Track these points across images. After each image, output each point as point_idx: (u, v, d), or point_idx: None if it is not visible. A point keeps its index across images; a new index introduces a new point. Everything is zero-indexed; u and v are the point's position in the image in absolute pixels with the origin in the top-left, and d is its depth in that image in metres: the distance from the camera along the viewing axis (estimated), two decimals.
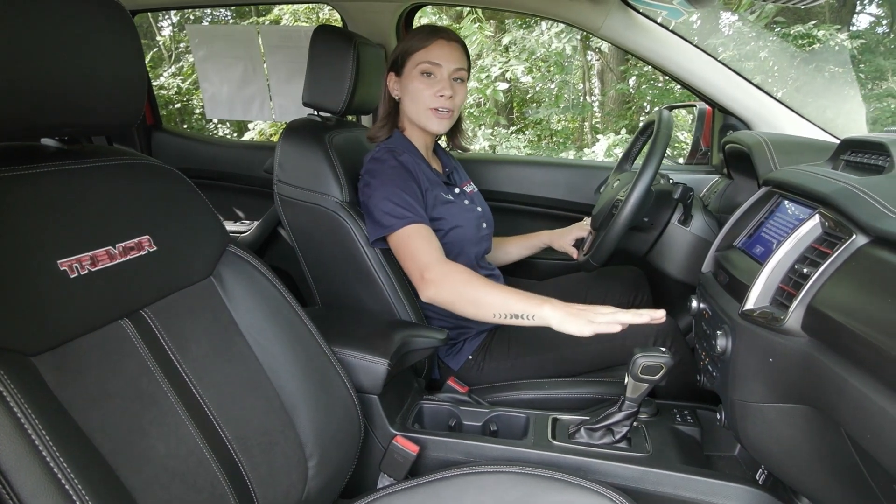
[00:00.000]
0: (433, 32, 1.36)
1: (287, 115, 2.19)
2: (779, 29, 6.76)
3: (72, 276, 0.71)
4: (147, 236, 0.84)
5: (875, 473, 0.79)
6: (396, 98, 1.43)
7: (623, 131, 6.52)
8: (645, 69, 7.80)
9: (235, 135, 7.93)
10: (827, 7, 6.72)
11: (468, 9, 5.21)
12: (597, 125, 8.02)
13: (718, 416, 1.06)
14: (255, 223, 2.17)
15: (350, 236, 1.33)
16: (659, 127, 1.32)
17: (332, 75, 1.39)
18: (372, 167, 1.35)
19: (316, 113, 1.49)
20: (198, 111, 8.37)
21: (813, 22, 6.14)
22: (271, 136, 7.18)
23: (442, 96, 1.36)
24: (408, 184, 1.32)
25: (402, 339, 1.20)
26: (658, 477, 1.05)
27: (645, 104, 7.87)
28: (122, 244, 0.80)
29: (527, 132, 7.40)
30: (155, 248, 0.85)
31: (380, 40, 1.88)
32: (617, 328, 1.06)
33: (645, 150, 1.63)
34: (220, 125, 8.09)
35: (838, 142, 1.58)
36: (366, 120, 2.08)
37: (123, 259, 0.79)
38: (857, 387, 0.68)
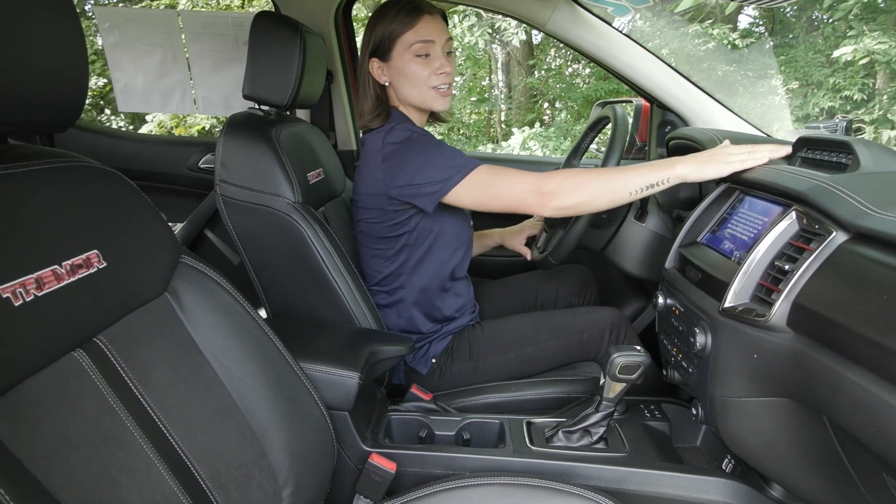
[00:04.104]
0: (415, 10, 1.29)
1: (212, 108, 2.03)
2: (662, 25, 7.12)
3: (16, 304, 0.60)
4: (95, 251, 0.73)
5: (857, 463, 0.81)
6: (385, 84, 1.36)
7: (537, 125, 6.66)
8: (554, 64, 8.01)
9: (131, 127, 7.43)
10: (718, 8, 7.14)
11: None
12: (506, 119, 8.16)
13: (694, 412, 1.07)
14: (180, 225, 2.00)
15: (304, 240, 1.24)
16: (616, 123, 1.32)
17: (277, 66, 1.29)
18: (400, 146, 1.28)
19: (257, 106, 1.38)
20: (88, 102, 7.74)
21: (709, 21, 6.53)
22: (172, 128, 6.77)
23: (442, 73, 1.31)
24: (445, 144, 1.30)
25: (371, 349, 1.13)
26: (640, 476, 1.05)
27: (551, 97, 8.09)
28: (70, 262, 0.68)
29: (437, 125, 7.41)
30: (105, 265, 0.74)
31: (317, 30, 1.78)
32: (752, 164, 1.11)
33: (593, 146, 1.65)
34: (113, 117, 7.53)
35: (765, 136, 1.66)
36: (301, 114, 1.97)
37: (72, 279, 0.68)
38: (856, 382, 0.69)
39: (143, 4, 7.03)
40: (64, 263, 0.68)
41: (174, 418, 0.74)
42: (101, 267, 0.73)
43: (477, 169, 1.22)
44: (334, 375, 1.04)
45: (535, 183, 1.19)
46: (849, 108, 6.22)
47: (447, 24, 1.36)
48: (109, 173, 0.82)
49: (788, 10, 7.80)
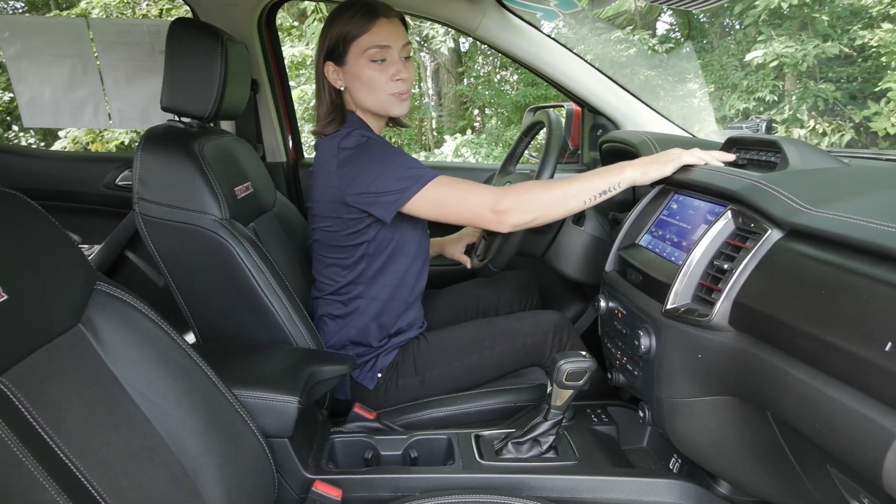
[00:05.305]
0: (371, 12, 1.24)
1: (128, 121, 1.91)
2: (585, 32, 7.33)
3: None
4: None
5: (802, 457, 0.82)
6: (341, 89, 1.31)
7: (469, 132, 6.69)
8: (482, 71, 8.09)
9: (42, 144, 7.01)
10: (638, 14, 7.39)
11: (312, 7, 5.01)
12: (438, 126, 8.18)
13: (641, 414, 1.07)
14: (97, 247, 1.87)
15: (233, 259, 1.17)
16: (551, 129, 1.32)
17: (198, 76, 1.22)
18: (355, 151, 1.23)
19: (177, 118, 1.30)
20: None
21: (630, 27, 6.75)
22: (88, 144, 6.42)
23: (399, 79, 1.27)
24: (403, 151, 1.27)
25: (310, 370, 1.07)
26: (592, 484, 1.04)
27: (481, 104, 8.17)
28: None
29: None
30: (5, 297, 0.66)
31: (239, 37, 1.71)
32: (690, 159, 1.13)
33: (527, 151, 1.65)
34: (22, 134, 7.07)
35: (692, 137, 1.71)
36: (226, 125, 1.88)
37: None
38: (799, 378, 0.69)
39: (53, 14, 6.67)
40: None
41: (93, 464, 0.67)
42: (0, 300, 0.65)
43: (435, 180, 1.20)
44: (271, 401, 0.98)
45: (491, 200, 1.18)
46: (762, 108, 6.56)
47: (406, 28, 1.32)
48: (8, 195, 0.74)
49: (702, 16, 8.18)
